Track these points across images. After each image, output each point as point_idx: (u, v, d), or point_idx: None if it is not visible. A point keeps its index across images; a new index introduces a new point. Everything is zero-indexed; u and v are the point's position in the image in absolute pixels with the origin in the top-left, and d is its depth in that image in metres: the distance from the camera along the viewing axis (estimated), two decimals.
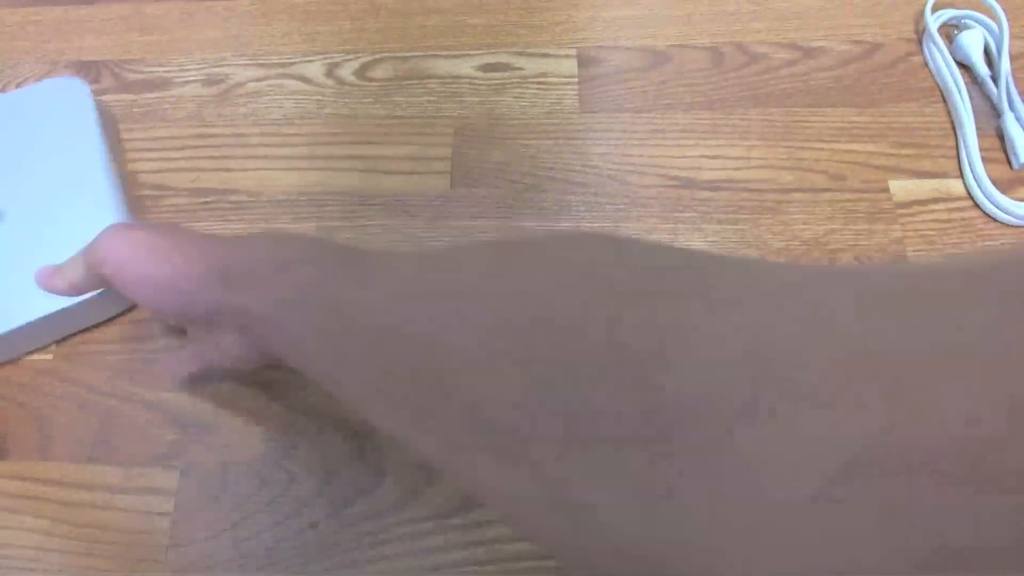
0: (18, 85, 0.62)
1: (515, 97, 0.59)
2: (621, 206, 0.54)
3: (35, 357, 0.50)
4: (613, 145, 0.56)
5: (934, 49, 0.58)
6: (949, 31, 0.60)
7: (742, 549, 0.17)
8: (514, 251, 0.25)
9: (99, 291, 0.44)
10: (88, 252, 0.39)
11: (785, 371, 0.17)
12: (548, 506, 0.20)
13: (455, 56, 0.62)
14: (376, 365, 0.26)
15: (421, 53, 0.62)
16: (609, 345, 0.19)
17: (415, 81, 0.60)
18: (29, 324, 0.47)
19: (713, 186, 0.54)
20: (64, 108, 0.55)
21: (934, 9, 0.59)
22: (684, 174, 0.55)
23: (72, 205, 0.51)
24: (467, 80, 0.60)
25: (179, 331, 0.50)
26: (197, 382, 0.48)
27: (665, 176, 0.55)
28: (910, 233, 0.52)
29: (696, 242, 0.52)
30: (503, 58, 0.61)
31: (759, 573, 0.17)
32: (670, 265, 0.22)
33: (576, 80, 0.60)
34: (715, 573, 0.17)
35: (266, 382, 0.48)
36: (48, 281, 0.42)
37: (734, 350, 0.18)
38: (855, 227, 0.52)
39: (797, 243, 0.52)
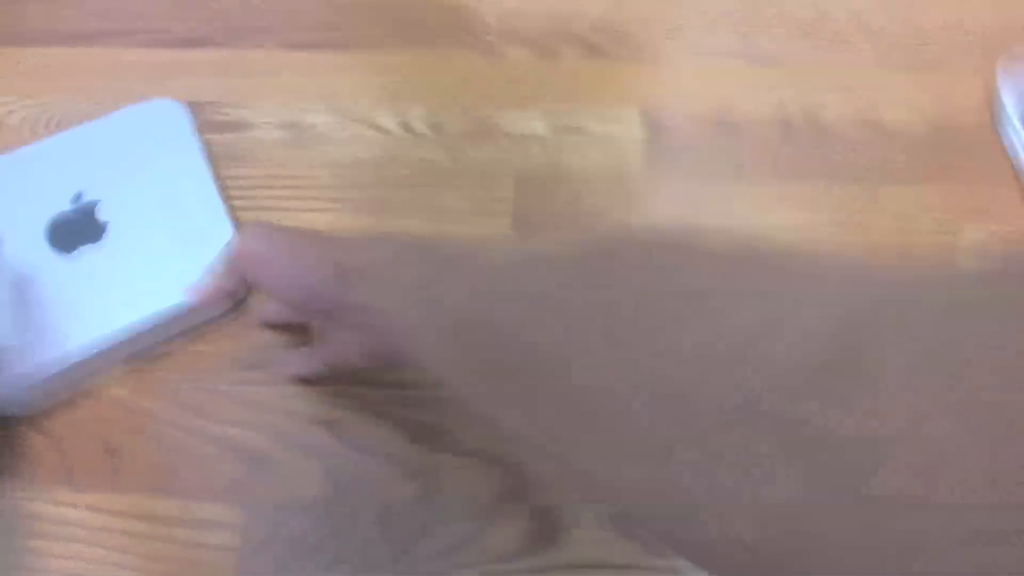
0: None
1: (581, 157, 0.60)
2: None
3: (106, 388, 0.52)
4: (678, 210, 0.57)
5: (1011, 131, 0.57)
6: None
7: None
8: (596, 256, 0.27)
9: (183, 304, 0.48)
10: (233, 253, 0.42)
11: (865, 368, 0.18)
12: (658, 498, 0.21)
13: (526, 116, 0.63)
14: (478, 358, 0.28)
15: (493, 111, 0.63)
16: (695, 345, 0.21)
17: (485, 137, 0.62)
18: (130, 335, 0.49)
19: None
20: (164, 127, 0.58)
21: (1010, 91, 0.58)
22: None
23: (180, 217, 0.53)
24: (536, 139, 0.61)
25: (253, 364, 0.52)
26: (311, 382, 0.50)
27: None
28: None
29: None
30: (572, 120, 0.62)
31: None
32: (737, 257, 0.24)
33: (643, 145, 0.60)
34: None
35: (330, 420, 0.49)
36: (199, 293, 0.45)
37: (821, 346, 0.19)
38: None
39: None
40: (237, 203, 0.59)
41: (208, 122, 0.64)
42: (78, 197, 0.54)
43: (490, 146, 0.61)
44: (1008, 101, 0.58)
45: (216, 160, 0.62)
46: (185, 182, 0.55)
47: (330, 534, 0.45)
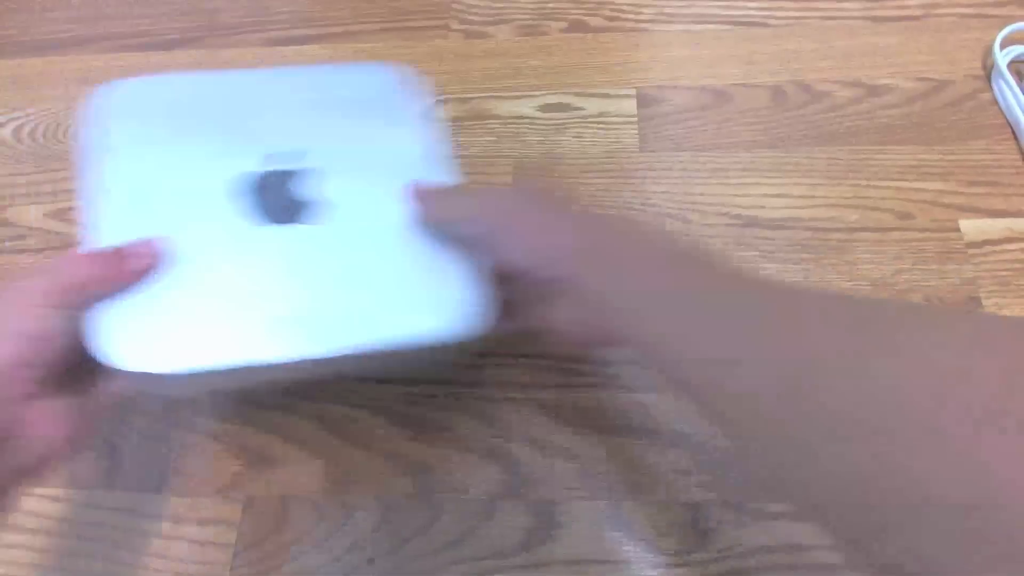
0: None
1: (575, 136, 0.60)
2: None
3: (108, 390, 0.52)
4: (674, 184, 0.56)
5: (1004, 86, 0.57)
6: (1019, 67, 0.58)
7: None
8: (779, 300, 0.30)
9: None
10: (473, 201, 0.40)
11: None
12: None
13: (516, 97, 0.63)
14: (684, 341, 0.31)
15: (483, 94, 0.63)
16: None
17: (476, 121, 0.62)
18: (365, 350, 0.38)
19: (776, 224, 0.54)
20: (390, 89, 0.47)
21: (1003, 46, 0.58)
22: (746, 212, 0.54)
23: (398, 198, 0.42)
24: (527, 120, 0.61)
25: None
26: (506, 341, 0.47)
27: (727, 215, 0.54)
28: (983, 274, 0.50)
29: None
30: (563, 98, 0.62)
31: None
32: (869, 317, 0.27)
33: (636, 119, 0.60)
34: None
35: (327, 417, 0.49)
36: (422, 197, 0.41)
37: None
38: (925, 267, 0.51)
39: (864, 283, 0.51)
40: None
41: None
42: (287, 156, 0.42)
43: (482, 130, 0.61)
44: (1001, 58, 0.58)
45: None
46: (414, 147, 0.44)
47: (329, 531, 0.45)
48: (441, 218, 0.40)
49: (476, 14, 0.68)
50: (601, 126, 0.60)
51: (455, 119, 0.62)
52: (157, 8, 0.73)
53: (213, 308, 0.37)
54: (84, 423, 0.36)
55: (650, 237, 0.38)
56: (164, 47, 0.70)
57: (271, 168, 0.42)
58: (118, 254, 0.37)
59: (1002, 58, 0.57)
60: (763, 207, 0.55)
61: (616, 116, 0.61)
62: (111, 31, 0.72)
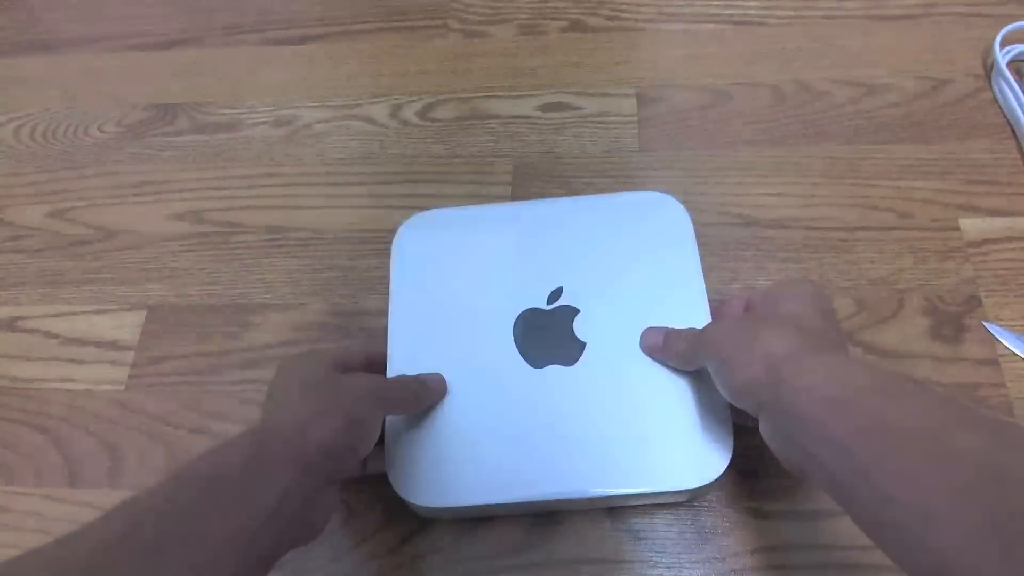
0: (99, 127, 0.65)
1: (574, 136, 0.60)
2: None
3: (106, 387, 0.52)
4: (673, 183, 0.56)
5: (1004, 85, 0.57)
6: (1019, 66, 0.58)
7: None
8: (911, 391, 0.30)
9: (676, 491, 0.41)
10: (702, 336, 0.39)
11: None
12: None
13: (515, 96, 0.63)
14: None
15: (482, 94, 0.63)
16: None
17: (476, 121, 0.62)
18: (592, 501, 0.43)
19: (776, 224, 0.54)
20: (661, 221, 0.48)
21: (1002, 45, 0.58)
22: (746, 212, 0.54)
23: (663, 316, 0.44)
24: (527, 120, 0.61)
25: None
26: None
27: (727, 214, 0.54)
28: (983, 273, 0.50)
29: (759, 280, 0.51)
30: (563, 98, 0.62)
31: None
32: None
33: (636, 119, 0.60)
34: None
35: None
36: (653, 342, 0.43)
37: None
38: (925, 266, 0.51)
39: (864, 282, 0.51)
40: (235, 203, 0.59)
41: (197, 123, 0.64)
42: (556, 296, 0.46)
43: (482, 130, 0.61)
44: (1001, 57, 0.57)
45: (206, 161, 0.62)
46: (675, 301, 0.45)
47: (330, 530, 0.45)
48: (665, 354, 0.42)
49: (475, 14, 0.68)
50: (601, 125, 0.60)
51: (455, 119, 0.62)
52: (157, 8, 0.73)
53: (489, 448, 0.42)
54: (334, 511, 0.39)
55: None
56: (164, 47, 0.70)
57: (543, 308, 0.46)
58: (424, 386, 0.42)
59: (1002, 57, 0.57)
60: (763, 206, 0.55)
61: (616, 115, 0.60)
62: (111, 31, 0.72)
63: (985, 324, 0.48)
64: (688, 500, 0.44)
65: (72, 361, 0.53)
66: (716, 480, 0.40)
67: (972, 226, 0.52)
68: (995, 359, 0.47)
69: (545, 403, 0.42)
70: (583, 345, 0.44)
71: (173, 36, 0.70)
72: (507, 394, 0.43)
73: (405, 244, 0.49)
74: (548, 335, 0.45)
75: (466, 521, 0.45)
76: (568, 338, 0.44)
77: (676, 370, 0.42)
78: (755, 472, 0.44)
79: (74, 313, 0.55)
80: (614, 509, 0.45)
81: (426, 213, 0.50)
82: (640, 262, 0.47)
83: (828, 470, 0.30)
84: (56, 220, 0.60)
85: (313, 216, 0.58)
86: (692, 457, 0.40)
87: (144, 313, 0.55)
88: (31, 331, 0.55)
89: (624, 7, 0.67)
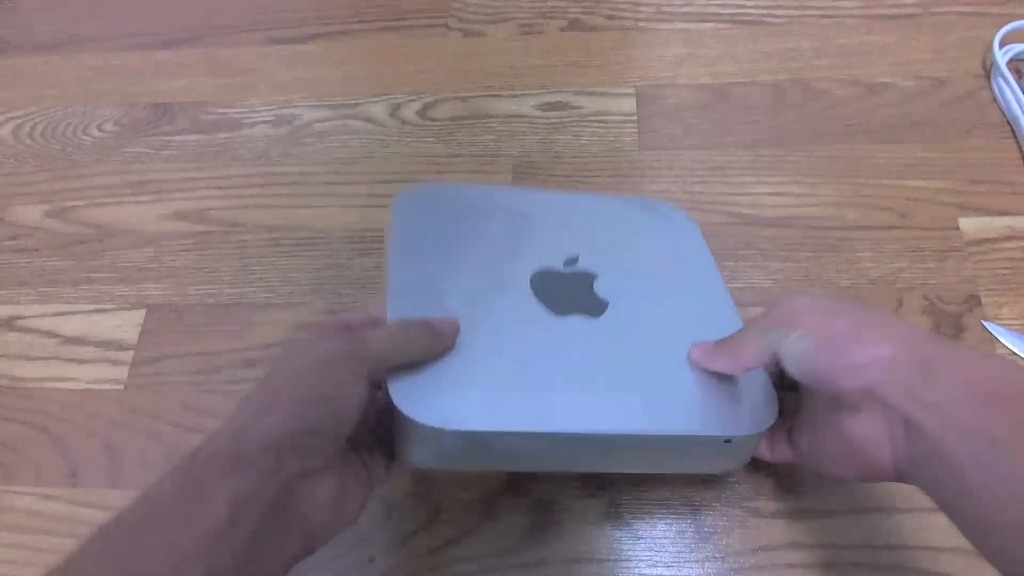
0: (99, 126, 0.65)
1: (574, 135, 0.60)
2: None
3: (106, 387, 0.52)
4: (673, 182, 0.56)
5: (1003, 84, 0.57)
6: (1018, 65, 0.58)
7: None
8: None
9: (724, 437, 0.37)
10: (781, 312, 0.35)
11: None
12: None
13: (515, 95, 0.63)
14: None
15: (482, 93, 0.63)
16: None
17: (475, 120, 0.62)
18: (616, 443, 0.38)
19: (776, 223, 0.54)
20: (670, 226, 0.50)
21: (1002, 44, 0.58)
22: (746, 211, 0.54)
23: (685, 310, 0.43)
24: (526, 119, 0.61)
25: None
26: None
27: (726, 213, 0.54)
28: (983, 272, 0.50)
29: (758, 279, 0.51)
30: (562, 97, 0.62)
31: None
32: None
33: (635, 118, 0.60)
34: None
35: None
36: (706, 354, 0.38)
37: None
38: (924, 265, 0.51)
39: (864, 281, 0.51)
40: (235, 203, 0.59)
41: (197, 122, 0.64)
42: (572, 261, 0.45)
43: (481, 129, 0.61)
44: (1000, 56, 0.58)
45: (206, 160, 0.62)
46: (695, 288, 0.45)
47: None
48: (725, 364, 0.38)
49: (475, 13, 0.68)
50: (600, 125, 0.60)
51: (454, 118, 0.62)
52: (157, 8, 0.73)
53: (508, 378, 0.37)
54: (359, 501, 0.35)
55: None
56: (164, 47, 0.70)
57: (564, 269, 0.44)
58: (430, 327, 0.36)
59: (1001, 56, 0.57)
60: (763, 205, 0.55)
61: (615, 114, 0.60)
62: (111, 31, 0.72)
63: (984, 323, 0.48)
64: (723, 471, 0.42)
65: (72, 361, 0.53)
66: (760, 434, 0.37)
67: (972, 226, 0.52)
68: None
69: (569, 348, 0.39)
70: (606, 303, 0.42)
71: (173, 36, 0.70)
72: (527, 337, 0.39)
73: (410, 200, 0.46)
74: (568, 292, 0.42)
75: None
76: (589, 296, 0.43)
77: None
78: (755, 472, 0.44)
79: (74, 312, 0.55)
80: (613, 509, 0.45)
81: (431, 183, 0.48)
82: (658, 256, 0.46)
83: (961, 471, 0.28)
84: (55, 219, 0.60)
85: (313, 216, 0.58)
86: (739, 404, 0.38)
87: (144, 312, 0.55)
88: (30, 330, 0.55)
89: (623, 6, 0.67)
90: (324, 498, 0.33)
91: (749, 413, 0.38)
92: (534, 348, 0.39)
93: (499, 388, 0.37)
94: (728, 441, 0.37)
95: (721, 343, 0.38)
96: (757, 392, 0.39)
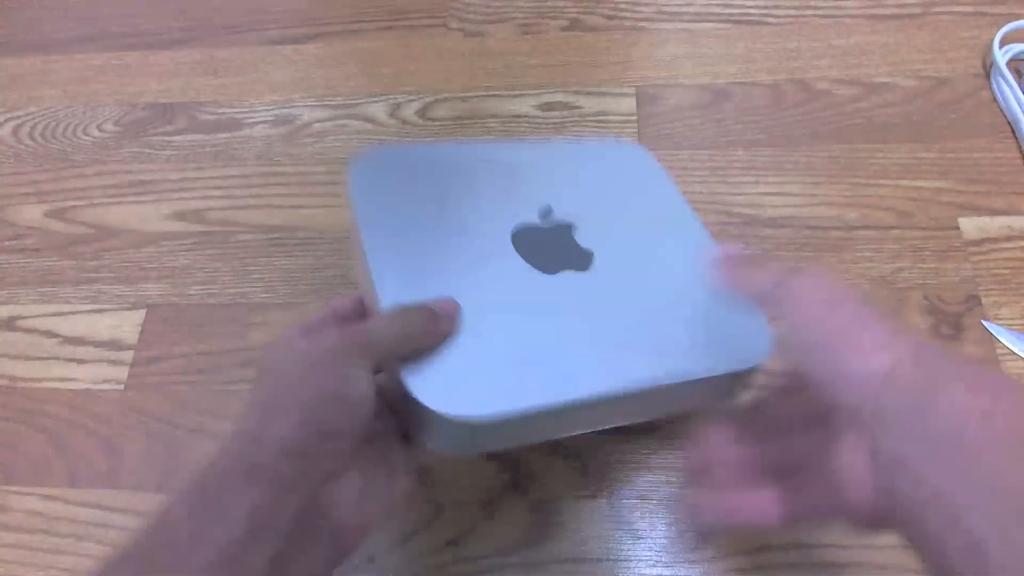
0: (98, 126, 0.65)
1: (574, 135, 0.60)
2: None
3: (105, 387, 0.52)
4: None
5: (1003, 84, 0.57)
6: (1018, 65, 0.58)
7: None
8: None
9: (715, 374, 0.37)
10: (792, 295, 0.30)
11: None
12: None
13: (515, 95, 0.63)
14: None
15: (482, 93, 0.63)
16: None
17: (475, 120, 0.62)
18: (631, 395, 0.37)
19: (775, 223, 0.54)
20: (628, 163, 0.49)
21: (1002, 44, 0.58)
22: (746, 211, 0.54)
23: (665, 245, 0.44)
24: (526, 119, 0.61)
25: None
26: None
27: (726, 213, 0.54)
28: (982, 272, 0.50)
29: None
30: (562, 97, 0.62)
31: None
32: None
33: (635, 118, 0.60)
34: None
35: None
36: (731, 264, 0.34)
37: None
38: (924, 265, 0.51)
39: (864, 281, 0.51)
40: (235, 203, 0.59)
41: (197, 122, 0.64)
42: (547, 212, 0.44)
43: (481, 129, 0.61)
44: (1000, 56, 0.58)
45: (205, 160, 0.62)
46: (667, 220, 0.46)
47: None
48: (749, 291, 0.33)
49: (475, 13, 0.68)
50: (600, 124, 0.60)
51: (454, 118, 0.62)
52: (157, 8, 0.73)
53: (521, 352, 0.36)
54: (387, 495, 0.34)
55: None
56: (164, 47, 0.70)
57: (542, 223, 0.43)
58: (431, 312, 0.35)
59: (1001, 56, 0.57)
60: (762, 205, 0.55)
61: (615, 114, 0.61)
62: (111, 31, 0.72)
63: (984, 323, 0.48)
64: (730, 395, 0.41)
65: (71, 360, 0.53)
66: (761, 365, 0.38)
67: (971, 225, 0.52)
68: (994, 358, 0.47)
69: (570, 308, 0.39)
70: (591, 254, 0.42)
71: (173, 36, 0.70)
72: (528, 305, 0.39)
73: (366, 168, 0.43)
74: (551, 247, 0.42)
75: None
76: (573, 248, 0.42)
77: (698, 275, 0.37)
78: None
79: (73, 312, 0.55)
80: (613, 509, 0.45)
81: (382, 147, 0.46)
82: (624, 193, 0.47)
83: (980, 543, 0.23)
84: (55, 219, 0.60)
85: (313, 216, 0.58)
86: (735, 339, 0.39)
87: (144, 312, 0.55)
88: (30, 330, 0.55)
89: (623, 6, 0.67)
90: (349, 499, 0.32)
91: (748, 342, 0.39)
92: (538, 315, 0.38)
93: (517, 366, 0.36)
94: (751, 370, 0.38)
95: (745, 263, 0.34)
96: (750, 320, 0.39)
